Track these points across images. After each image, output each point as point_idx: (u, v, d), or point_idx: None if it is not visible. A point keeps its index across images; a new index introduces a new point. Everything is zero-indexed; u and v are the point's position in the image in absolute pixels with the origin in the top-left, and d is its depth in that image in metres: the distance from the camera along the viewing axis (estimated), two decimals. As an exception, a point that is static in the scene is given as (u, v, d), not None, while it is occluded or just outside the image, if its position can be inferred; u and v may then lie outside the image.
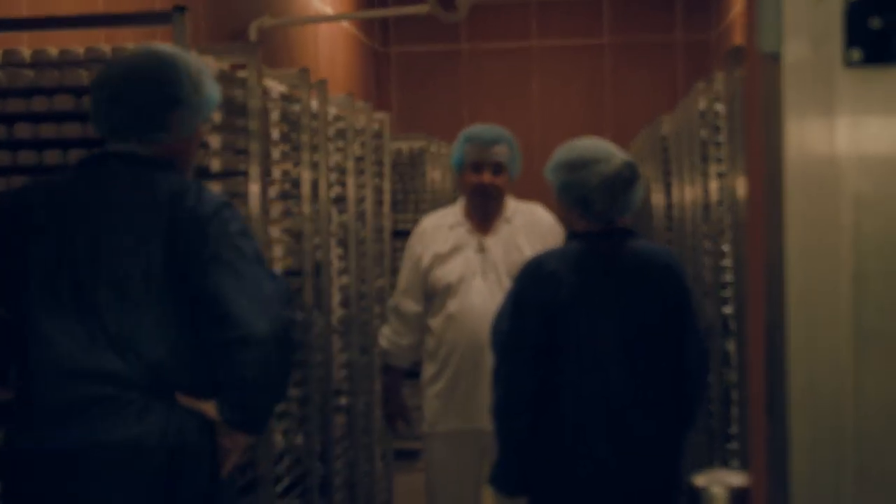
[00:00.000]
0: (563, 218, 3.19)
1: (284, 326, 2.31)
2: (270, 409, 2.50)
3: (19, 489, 2.36)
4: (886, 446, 1.27)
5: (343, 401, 4.39)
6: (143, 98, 2.39)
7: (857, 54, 1.30)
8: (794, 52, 1.30)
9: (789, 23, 1.31)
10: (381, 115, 5.31)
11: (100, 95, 2.40)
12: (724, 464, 3.95)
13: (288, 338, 2.35)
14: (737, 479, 1.76)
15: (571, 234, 3.11)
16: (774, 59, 1.31)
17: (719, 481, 1.75)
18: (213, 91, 2.47)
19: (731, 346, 4.02)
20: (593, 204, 2.96)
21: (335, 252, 4.25)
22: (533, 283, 2.95)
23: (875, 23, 1.30)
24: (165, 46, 2.45)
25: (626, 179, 2.96)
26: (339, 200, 4.38)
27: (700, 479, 1.73)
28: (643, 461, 2.95)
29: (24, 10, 3.48)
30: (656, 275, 3.04)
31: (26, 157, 2.82)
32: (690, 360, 3.06)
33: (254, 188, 3.20)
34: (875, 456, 1.27)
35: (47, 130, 2.81)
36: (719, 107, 4.06)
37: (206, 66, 2.50)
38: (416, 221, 6.54)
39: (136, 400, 2.29)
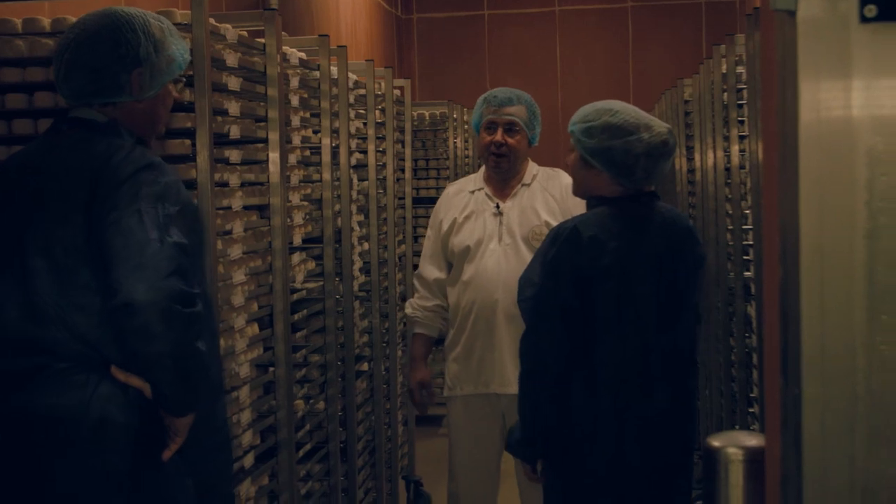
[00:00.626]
0: (585, 181, 3.08)
1: (171, 296, 2.15)
2: (177, 387, 2.24)
3: None
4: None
5: (364, 367, 4.40)
6: (100, 60, 2.35)
7: (872, 10, 1.30)
8: (809, 8, 1.30)
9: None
10: (401, 82, 5.29)
11: (59, 60, 2.38)
12: (746, 427, 3.95)
13: (176, 310, 2.17)
14: (752, 440, 1.77)
15: (599, 199, 3.04)
16: (790, 16, 1.31)
17: (735, 442, 1.76)
18: (180, 49, 2.43)
19: (752, 311, 4.02)
20: (635, 171, 2.93)
21: (355, 219, 4.26)
22: (571, 248, 2.89)
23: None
24: (123, 7, 2.40)
25: (668, 150, 2.97)
26: (360, 167, 4.39)
27: (716, 441, 1.74)
28: (667, 424, 2.95)
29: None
30: (681, 238, 3.03)
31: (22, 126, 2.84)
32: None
33: (273, 155, 3.20)
34: (888, 413, 1.27)
35: (43, 100, 2.82)
36: (741, 69, 4.04)
37: (171, 26, 2.44)
38: (437, 188, 6.61)
39: (65, 370, 2.24)
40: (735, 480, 1.73)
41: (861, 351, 1.29)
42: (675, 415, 2.98)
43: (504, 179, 4.02)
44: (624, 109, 2.98)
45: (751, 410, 3.94)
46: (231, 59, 2.97)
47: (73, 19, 2.77)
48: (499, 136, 3.88)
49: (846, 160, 1.29)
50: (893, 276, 1.26)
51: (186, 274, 2.21)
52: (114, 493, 2.23)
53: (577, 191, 3.16)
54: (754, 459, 1.74)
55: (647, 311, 2.92)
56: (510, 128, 3.90)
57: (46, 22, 2.84)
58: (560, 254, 2.89)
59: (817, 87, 1.30)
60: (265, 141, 3.19)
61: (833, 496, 1.27)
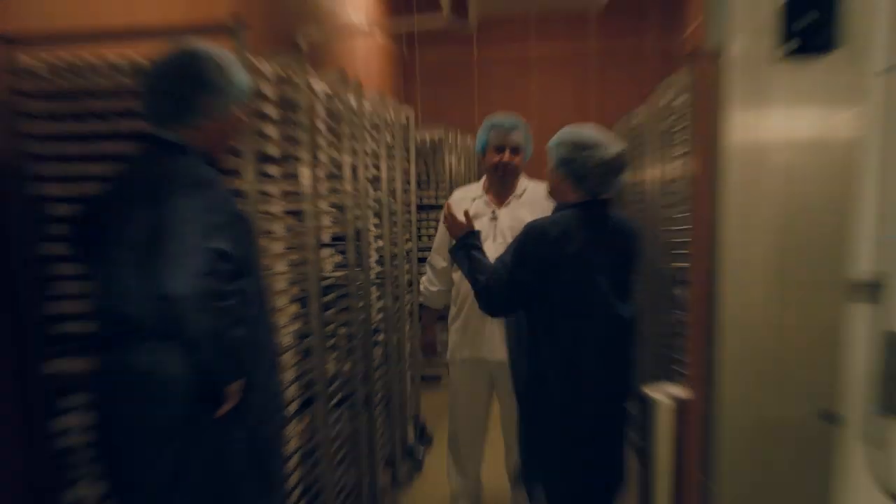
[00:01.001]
0: (555, 186, 3.09)
1: (203, 293, 2.11)
2: (215, 365, 2.24)
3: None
4: (803, 362, 1.28)
5: (380, 337, 4.42)
6: (178, 88, 2.33)
7: (787, 48, 1.30)
8: (736, 46, 1.30)
9: (732, 23, 1.31)
10: (407, 110, 5.28)
11: (143, 89, 2.37)
12: (671, 381, 3.97)
13: (208, 304, 2.14)
14: (678, 391, 1.78)
15: (562, 204, 3.06)
16: (719, 53, 1.31)
17: (665, 392, 1.77)
18: (242, 78, 2.40)
19: (679, 292, 4.03)
20: (589, 180, 2.95)
21: (371, 221, 4.26)
22: (539, 241, 2.92)
23: (803, 21, 1.30)
24: (195, 44, 2.37)
25: (618, 166, 2.96)
26: (374, 180, 4.38)
27: (650, 390, 1.76)
28: (618, 378, 3.03)
29: (114, 21, 3.46)
30: (629, 239, 3.06)
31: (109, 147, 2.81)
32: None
33: (305, 170, 3.20)
34: (782, 369, 1.29)
35: (125, 125, 2.77)
36: (679, 101, 4.04)
37: (233, 58, 2.41)
38: (437, 197, 6.67)
39: (139, 340, 2.25)
40: (665, 421, 1.75)
41: (764, 321, 1.30)
42: (621, 370, 3.03)
43: (502, 191, 4.02)
44: (588, 130, 3.00)
45: (676, 368, 3.95)
46: (270, 92, 2.96)
47: (144, 61, 2.77)
48: (507, 157, 3.90)
49: (758, 171, 1.30)
50: (796, 265, 1.27)
51: (222, 274, 2.18)
52: (174, 435, 2.25)
53: (552, 195, 3.14)
54: (680, 405, 1.76)
55: (601, 291, 2.93)
56: (515, 149, 3.92)
57: (126, 62, 2.82)
58: (526, 244, 2.94)
59: (740, 113, 1.31)
60: (298, 158, 3.19)
61: (738, 432, 1.28)
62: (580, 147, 2.95)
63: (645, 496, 1.70)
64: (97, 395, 2.38)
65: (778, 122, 1.33)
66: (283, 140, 3.08)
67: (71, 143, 2.81)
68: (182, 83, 2.33)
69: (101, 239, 2.31)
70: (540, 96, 9.99)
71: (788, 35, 1.32)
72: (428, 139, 6.95)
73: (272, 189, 3.00)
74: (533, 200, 3.97)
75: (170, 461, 2.25)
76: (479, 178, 4.20)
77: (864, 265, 1.33)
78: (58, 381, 2.82)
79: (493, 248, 3.90)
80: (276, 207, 3.04)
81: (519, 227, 3.92)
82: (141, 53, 2.83)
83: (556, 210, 3.09)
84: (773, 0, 1.30)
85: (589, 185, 2.98)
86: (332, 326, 3.64)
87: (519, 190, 4.02)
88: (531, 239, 2.93)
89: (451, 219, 3.19)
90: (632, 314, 3.02)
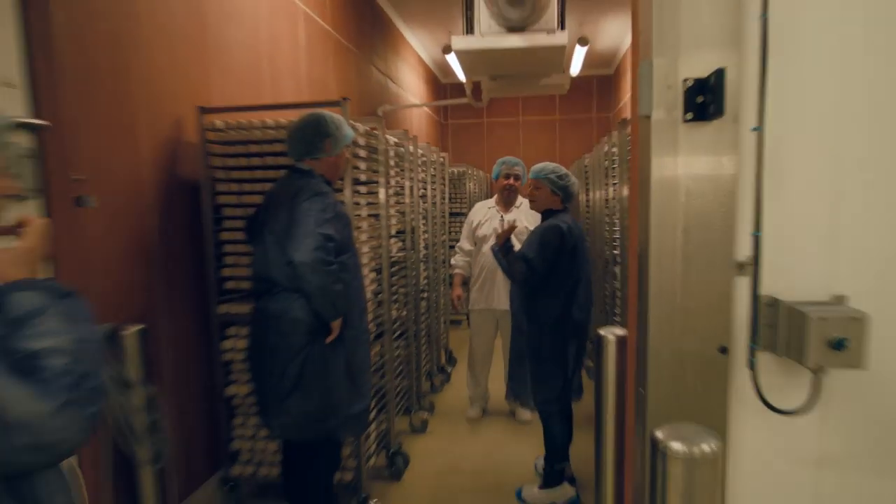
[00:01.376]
0: (543, 198, 2.97)
1: (314, 260, 2.13)
2: (323, 308, 2.22)
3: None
4: (704, 312, 1.26)
5: (424, 294, 4.41)
6: (309, 135, 2.35)
7: (689, 115, 1.28)
8: (657, 114, 1.28)
9: (655, 98, 1.29)
10: (443, 154, 5.27)
11: (289, 137, 2.38)
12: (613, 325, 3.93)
13: (319, 267, 2.14)
14: (620, 331, 1.75)
15: (551, 210, 2.96)
16: (647, 118, 1.29)
17: (611, 331, 1.74)
18: (348, 131, 2.40)
19: (616, 270, 3.99)
20: (568, 194, 2.95)
21: (421, 222, 4.25)
22: (559, 233, 2.84)
23: (698, 99, 1.27)
24: (319, 110, 2.41)
25: (577, 189, 3.05)
26: (423, 197, 4.37)
27: (601, 330, 1.72)
28: (588, 315, 3.01)
29: (267, 97, 3.49)
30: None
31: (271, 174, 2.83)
32: None
33: (381, 191, 3.19)
34: (690, 316, 1.27)
35: (275, 160, 2.78)
36: (615, 149, 3.99)
37: (342, 119, 2.41)
38: (461, 209, 6.69)
39: (279, 291, 2.26)
40: (610, 353, 1.71)
41: (678, 286, 1.28)
42: (591, 310, 3.05)
43: (508, 203, 4.02)
44: (563, 168, 2.99)
45: (617, 319, 3.91)
46: (361, 141, 2.94)
47: (284, 120, 2.78)
48: (512, 181, 3.92)
49: (673, 193, 1.28)
50: (694, 250, 1.25)
51: (329, 250, 2.18)
52: (297, 354, 2.25)
53: (538, 207, 3.02)
54: (620, 341, 1.71)
55: (587, 260, 2.98)
56: (516, 177, 3.93)
57: (274, 122, 2.81)
58: (551, 237, 2.85)
59: (660, 157, 1.29)
60: (377, 182, 3.18)
61: (661, 358, 1.26)
62: (564, 175, 2.94)
63: (599, 403, 1.67)
64: (250, 327, 2.39)
65: (684, 161, 1.30)
66: (368, 171, 3.07)
67: (239, 171, 2.82)
68: (312, 132, 2.35)
69: (260, 229, 2.33)
70: (525, 145, 10.00)
71: (688, 108, 1.30)
72: (456, 171, 6.90)
73: (361, 200, 2.99)
74: (525, 210, 4.00)
75: (293, 371, 2.25)
76: (488, 197, 4.20)
77: (741, 251, 1.30)
78: (226, 318, 2.84)
79: None
80: (363, 212, 3.03)
81: (518, 227, 3.97)
82: (283, 116, 2.86)
83: (545, 215, 2.99)
84: (678, 87, 1.29)
85: (567, 197, 2.96)
86: (395, 287, 3.64)
87: (517, 202, 4.03)
88: (553, 234, 2.85)
89: (504, 232, 2.94)
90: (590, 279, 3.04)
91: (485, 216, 4.05)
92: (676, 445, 0.96)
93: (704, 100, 1.27)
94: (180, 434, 2.69)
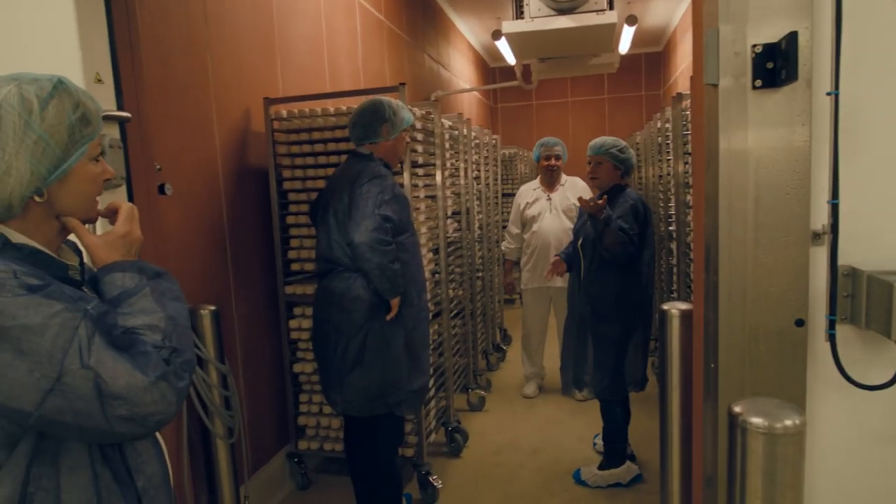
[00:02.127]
0: (608, 175, 2.80)
1: (373, 240, 2.13)
2: (382, 286, 2.20)
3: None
4: (777, 284, 1.20)
5: (479, 274, 4.40)
6: (368, 120, 2.33)
7: (759, 82, 1.21)
8: (725, 82, 1.22)
9: (722, 66, 1.22)
10: (495, 136, 5.22)
11: (351, 123, 2.37)
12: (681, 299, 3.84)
13: (377, 247, 2.13)
14: (684, 305, 1.69)
15: (617, 187, 2.80)
16: (714, 87, 1.23)
17: (675, 306, 1.68)
18: (406, 115, 2.37)
19: (672, 246, 3.88)
20: (632, 169, 2.85)
21: (475, 203, 4.22)
22: (639, 207, 2.71)
23: (768, 65, 1.20)
24: (379, 96, 2.39)
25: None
26: (476, 178, 4.34)
27: (665, 305, 1.67)
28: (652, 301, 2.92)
29: (327, 87, 3.52)
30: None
31: (330, 159, 2.84)
32: None
33: (438, 172, 3.18)
34: (760, 289, 1.21)
35: (336, 146, 2.80)
36: (668, 125, 3.86)
37: (400, 104, 2.39)
38: (512, 188, 6.63)
39: (341, 271, 2.26)
40: (675, 327, 1.66)
41: (749, 258, 1.22)
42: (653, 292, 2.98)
43: (551, 183, 3.96)
44: (621, 141, 2.84)
45: (674, 296, 3.80)
46: (418, 125, 2.94)
47: (345, 108, 2.79)
48: (552, 162, 3.87)
49: (743, 161, 1.22)
50: (767, 221, 1.19)
51: (386, 230, 2.17)
52: (358, 330, 2.25)
53: (601, 184, 2.84)
54: (685, 316, 1.66)
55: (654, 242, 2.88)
56: (556, 157, 3.87)
57: (332, 109, 2.83)
58: (637, 210, 2.72)
59: (728, 126, 1.23)
60: (434, 164, 3.17)
61: (735, 335, 1.21)
62: (624, 147, 2.82)
63: (664, 379, 1.62)
64: (314, 306, 2.41)
65: (754, 129, 1.24)
66: (425, 153, 3.06)
67: (302, 157, 2.86)
68: (370, 117, 2.34)
69: (324, 212, 2.34)
70: (574, 126, 9.81)
71: (757, 75, 1.23)
72: (507, 153, 6.83)
73: (419, 182, 2.98)
74: (570, 188, 3.96)
75: (355, 347, 2.26)
76: (536, 177, 4.14)
77: (817, 220, 1.23)
78: (292, 298, 2.89)
79: (549, 218, 3.98)
80: (421, 193, 3.03)
81: (565, 204, 3.92)
82: (343, 104, 2.89)
83: (611, 193, 2.78)
84: (747, 53, 1.22)
85: (628, 170, 2.84)
86: (451, 267, 3.63)
87: (561, 181, 3.99)
88: (638, 207, 2.73)
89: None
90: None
91: (532, 197, 4.01)
92: (757, 420, 0.92)
93: (775, 66, 1.20)
94: (251, 410, 2.76)
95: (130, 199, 1.53)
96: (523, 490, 2.94)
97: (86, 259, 1.06)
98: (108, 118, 1.39)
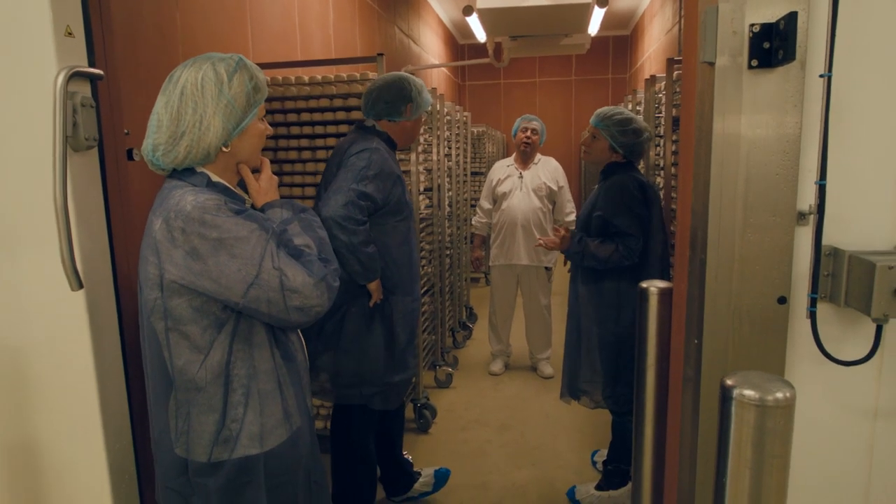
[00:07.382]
0: (599, 152, 2.45)
1: (342, 216, 1.99)
2: (352, 268, 2.05)
3: None
4: (762, 262, 1.22)
5: (448, 251, 4.39)
6: (393, 96, 2.19)
7: (755, 62, 1.21)
8: (721, 61, 1.22)
9: (720, 45, 1.22)
10: (466, 113, 5.18)
11: (369, 95, 2.22)
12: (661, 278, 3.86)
13: (346, 225, 2.00)
14: (662, 283, 1.71)
15: (614, 165, 2.44)
16: (710, 65, 1.23)
17: (653, 284, 1.70)
18: (427, 96, 2.26)
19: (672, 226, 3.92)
20: (639, 156, 2.45)
21: (445, 179, 4.19)
22: (637, 187, 2.34)
23: (764, 45, 1.21)
24: (403, 73, 2.25)
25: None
26: (447, 155, 4.31)
27: (643, 283, 1.68)
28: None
29: (298, 55, 3.41)
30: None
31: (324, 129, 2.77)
32: None
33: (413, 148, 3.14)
34: (747, 268, 1.23)
35: (310, 116, 2.72)
36: (640, 107, 3.89)
37: (423, 83, 2.26)
38: (482, 167, 6.62)
39: None
40: (652, 305, 1.67)
41: (737, 239, 1.24)
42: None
43: (525, 160, 3.95)
44: (634, 116, 2.46)
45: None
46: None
47: (319, 76, 2.71)
48: (528, 134, 3.86)
49: (735, 140, 1.23)
50: (756, 201, 1.20)
51: (361, 208, 2.02)
52: (336, 311, 2.15)
53: (591, 158, 2.51)
54: (665, 294, 1.68)
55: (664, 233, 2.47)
56: (532, 132, 3.87)
57: (307, 77, 2.74)
58: (632, 192, 2.34)
59: (724, 106, 1.23)
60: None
61: (720, 311, 1.23)
62: (631, 128, 2.43)
63: (640, 355, 1.64)
64: None
65: (748, 108, 1.25)
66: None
67: (275, 126, 2.75)
68: (395, 95, 2.20)
69: (325, 188, 2.21)
70: (541, 107, 9.83)
71: (753, 55, 1.23)
72: (476, 132, 6.80)
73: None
74: (542, 167, 3.95)
75: (331, 328, 2.16)
76: (507, 156, 4.15)
77: (804, 200, 1.26)
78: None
79: (519, 196, 3.97)
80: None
81: (536, 183, 3.92)
82: (317, 73, 2.79)
83: (606, 172, 2.47)
84: (744, 32, 1.22)
85: (631, 154, 2.47)
86: (422, 243, 3.61)
87: (535, 160, 3.98)
88: (632, 188, 2.37)
89: (552, 241, 2.53)
90: None
91: (504, 174, 4.01)
92: (750, 392, 0.94)
93: (771, 46, 1.20)
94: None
95: (102, 162, 1.45)
96: (491, 465, 2.98)
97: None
98: (79, 75, 1.31)
